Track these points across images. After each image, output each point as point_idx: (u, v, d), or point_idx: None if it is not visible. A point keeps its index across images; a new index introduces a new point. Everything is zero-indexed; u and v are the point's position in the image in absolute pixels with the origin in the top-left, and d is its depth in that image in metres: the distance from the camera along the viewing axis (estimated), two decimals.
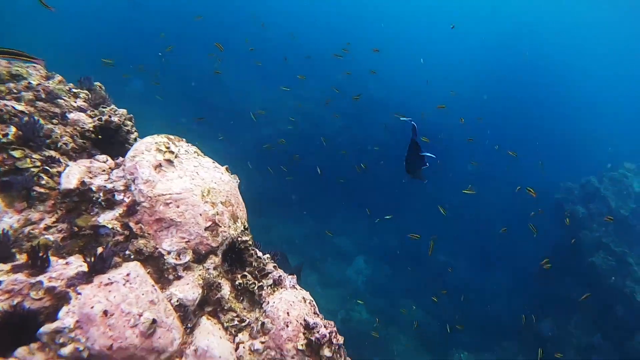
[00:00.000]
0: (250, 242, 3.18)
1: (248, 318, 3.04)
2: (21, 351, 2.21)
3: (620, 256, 13.52)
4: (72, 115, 3.23)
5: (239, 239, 3.11)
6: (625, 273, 13.38)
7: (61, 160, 2.87)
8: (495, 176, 20.05)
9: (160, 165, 2.84)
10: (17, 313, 2.27)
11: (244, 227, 3.20)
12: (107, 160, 2.94)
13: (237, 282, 3.08)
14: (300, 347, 2.86)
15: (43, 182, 2.65)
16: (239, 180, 3.42)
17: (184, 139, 3.26)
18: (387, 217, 13.88)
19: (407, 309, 16.36)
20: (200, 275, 2.88)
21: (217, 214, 2.94)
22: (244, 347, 2.88)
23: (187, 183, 2.87)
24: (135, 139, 3.62)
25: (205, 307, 2.96)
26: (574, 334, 14.01)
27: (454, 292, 17.17)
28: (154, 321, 2.44)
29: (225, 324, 2.97)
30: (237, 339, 2.94)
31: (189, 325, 2.80)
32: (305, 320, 2.92)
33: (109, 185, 2.70)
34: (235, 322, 2.99)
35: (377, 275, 17.99)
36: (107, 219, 2.62)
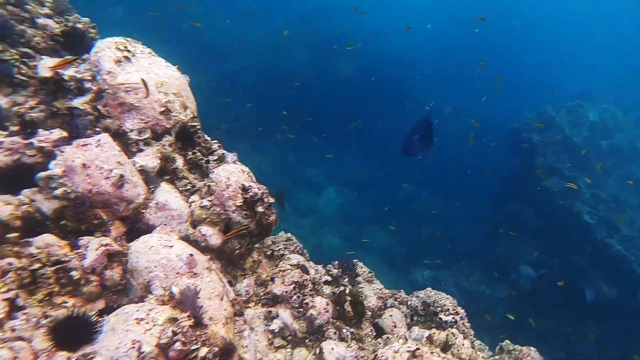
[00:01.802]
0: (199, 127, 4.18)
1: (198, 185, 4.13)
2: (26, 192, 3.23)
3: (571, 180, 15.28)
4: (41, 21, 3.95)
5: (189, 124, 4.09)
6: (574, 196, 15.24)
7: (35, 56, 3.68)
8: (460, 108, 21.24)
9: (119, 60, 3.69)
10: (19, 165, 3.25)
11: (193, 116, 4.17)
12: (75, 58, 3.76)
13: (188, 157, 4.13)
14: (238, 204, 3.99)
15: (23, 71, 3.49)
16: (189, 79, 4.31)
17: (140, 42, 4.08)
18: (328, 155, 15.20)
19: (374, 235, 18.22)
20: (157, 149, 3.89)
21: (169, 102, 3.88)
22: (195, 205, 3.98)
23: (143, 76, 3.75)
24: None
25: (164, 176, 4.01)
26: (526, 250, 16.14)
27: (418, 219, 19.06)
28: (121, 176, 3.48)
29: (180, 189, 4.06)
30: (190, 200, 4.04)
31: (151, 187, 3.85)
32: (242, 184, 4.02)
33: (78, 75, 3.57)
34: (188, 187, 4.07)
35: (346, 204, 19.59)
36: (79, 102, 3.53)
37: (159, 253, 3.26)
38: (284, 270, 4.38)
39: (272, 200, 4.12)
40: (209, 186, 3.97)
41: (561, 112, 16.53)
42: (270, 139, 19.09)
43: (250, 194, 3.94)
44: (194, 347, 2.86)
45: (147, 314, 2.90)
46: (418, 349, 3.46)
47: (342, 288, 4.65)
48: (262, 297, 4.29)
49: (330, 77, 22.07)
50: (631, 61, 35.42)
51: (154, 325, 2.85)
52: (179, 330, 2.83)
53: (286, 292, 4.22)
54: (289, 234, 5.47)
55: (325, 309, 4.24)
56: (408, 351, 3.51)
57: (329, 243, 17.58)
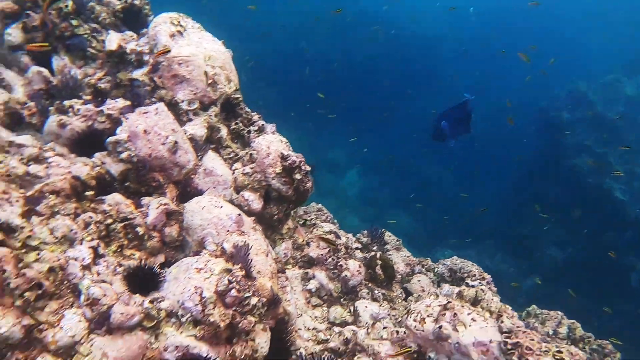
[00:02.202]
0: (241, 99, 4.52)
1: (240, 153, 4.48)
2: (98, 155, 3.64)
3: (601, 157, 15.00)
4: None
5: (233, 96, 4.43)
6: (605, 173, 14.95)
7: (102, 31, 4.07)
8: (488, 87, 20.96)
9: (173, 34, 4.04)
10: (92, 131, 3.65)
11: (236, 88, 4.50)
12: (133, 34, 4.14)
13: (231, 128, 4.48)
14: (278, 171, 4.33)
15: (94, 45, 3.89)
16: (232, 53, 4.64)
17: (190, 17, 4.41)
18: (353, 139, 15.37)
19: (396, 218, 18.45)
20: (205, 119, 4.25)
21: (216, 74, 4.22)
22: (238, 172, 4.35)
23: (193, 49, 4.09)
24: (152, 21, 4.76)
25: (210, 145, 4.37)
26: (551, 230, 16.07)
27: (441, 201, 19.14)
28: (176, 142, 3.85)
29: (225, 157, 4.42)
30: (233, 167, 4.40)
31: (199, 154, 4.23)
32: (281, 152, 4.35)
33: (139, 49, 3.94)
34: (232, 155, 4.44)
35: (368, 186, 19.84)
36: (139, 74, 3.90)
37: (211, 212, 3.64)
38: (319, 233, 4.73)
39: (308, 168, 4.44)
40: (250, 154, 4.32)
41: (594, 88, 16.12)
42: (293, 121, 19.40)
43: (289, 161, 4.27)
44: (247, 294, 3.25)
45: (205, 265, 3.30)
46: (449, 302, 3.77)
47: (372, 253, 4.98)
48: (299, 260, 4.66)
49: (358, 60, 22.03)
50: None
51: (212, 274, 3.25)
52: (234, 279, 3.22)
53: (321, 255, 4.58)
54: (319, 205, 5.82)
55: (358, 271, 4.58)
56: (439, 305, 3.84)
57: (350, 225, 17.95)
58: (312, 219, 5.52)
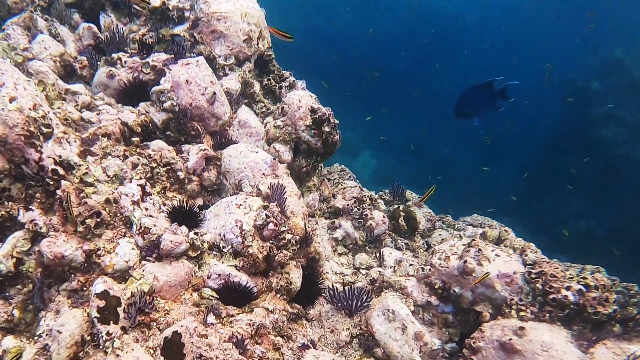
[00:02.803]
0: (273, 57, 4.72)
1: (272, 108, 4.71)
2: (142, 104, 3.91)
3: (634, 125, 14.55)
4: None
5: (266, 53, 4.65)
6: (635, 143, 14.54)
7: None
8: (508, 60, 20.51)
9: None
10: (137, 81, 3.92)
11: (269, 46, 4.71)
12: None
13: (264, 83, 4.70)
14: (308, 124, 4.54)
15: (137, 2, 4.14)
16: (265, 12, 4.84)
17: None
18: (368, 118, 15.29)
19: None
20: (239, 75, 4.48)
21: (251, 31, 4.43)
22: (269, 124, 4.58)
23: (231, 5, 4.31)
24: None
25: (244, 100, 4.60)
26: (574, 203, 15.85)
27: (456, 182, 19.08)
28: (214, 93, 4.09)
29: (257, 111, 4.66)
30: (265, 120, 4.63)
31: (234, 107, 4.47)
32: (311, 106, 4.55)
33: (180, 5, 4.18)
34: (264, 110, 4.67)
35: (382, 168, 19.87)
36: (180, 30, 4.15)
37: (247, 157, 3.90)
38: (344, 188, 4.96)
39: (337, 121, 4.64)
40: (282, 108, 4.54)
41: (632, 52, 15.43)
42: None
43: (319, 114, 4.47)
44: (283, 229, 3.52)
45: (245, 201, 3.57)
46: (473, 239, 3.97)
47: (395, 205, 5.19)
48: (326, 211, 4.91)
49: (376, 39, 21.82)
50: None
51: (250, 210, 3.52)
52: (271, 214, 3.48)
53: (347, 205, 4.81)
54: (342, 166, 6.03)
55: (382, 220, 4.81)
56: (463, 244, 4.04)
57: None
58: (335, 178, 5.74)
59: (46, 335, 2.79)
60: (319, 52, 20.80)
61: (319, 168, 5.34)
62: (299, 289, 3.72)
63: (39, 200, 3.07)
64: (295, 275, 3.70)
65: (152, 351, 2.70)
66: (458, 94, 6.23)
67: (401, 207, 5.13)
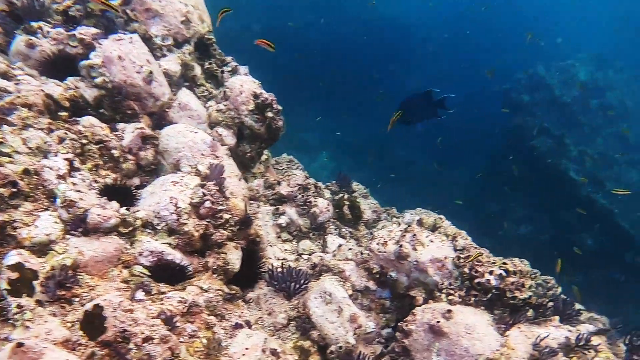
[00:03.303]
0: (214, 40, 4.69)
1: (214, 92, 4.67)
2: (71, 79, 3.74)
3: (559, 138, 15.97)
4: None
5: (206, 36, 4.60)
6: (562, 153, 15.95)
7: None
8: (456, 75, 21.70)
9: None
10: (63, 55, 3.74)
11: (210, 29, 4.67)
12: None
13: (205, 67, 4.65)
14: (250, 108, 4.55)
15: None
16: None
17: None
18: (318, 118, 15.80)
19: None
20: (179, 56, 4.41)
21: (189, 12, 4.38)
22: (212, 108, 4.53)
23: None
24: None
25: (184, 83, 4.53)
26: (515, 208, 16.97)
27: (413, 183, 19.77)
28: (151, 72, 3.99)
29: (199, 94, 4.60)
30: (207, 104, 4.59)
31: (174, 90, 4.38)
32: (254, 91, 4.56)
33: None
34: (205, 94, 4.62)
35: (340, 169, 20.14)
36: (111, 4, 4.01)
37: (186, 136, 3.84)
38: (289, 175, 5.00)
39: (280, 107, 4.68)
40: (224, 92, 4.51)
41: (551, 71, 17.13)
42: None
43: (262, 99, 4.50)
44: (220, 207, 3.48)
45: (181, 179, 3.50)
46: (410, 225, 4.12)
47: (340, 195, 5.29)
48: (270, 198, 4.92)
49: (331, 40, 22.23)
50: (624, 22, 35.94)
51: (187, 188, 3.46)
52: (208, 192, 3.44)
53: (292, 192, 4.85)
54: (291, 156, 6.07)
55: (326, 208, 4.88)
56: (401, 230, 4.19)
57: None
58: (283, 169, 5.77)
59: None
60: (275, 52, 20.81)
61: (268, 157, 5.35)
62: (237, 270, 3.68)
63: None
64: (234, 257, 3.66)
65: (69, 324, 2.56)
66: (399, 101, 6.56)
67: (346, 196, 5.24)
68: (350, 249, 4.29)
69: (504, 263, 3.83)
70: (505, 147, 17.25)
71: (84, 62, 3.67)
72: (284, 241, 4.71)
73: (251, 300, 3.76)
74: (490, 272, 3.79)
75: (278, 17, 22.43)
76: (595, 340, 3.48)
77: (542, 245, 15.59)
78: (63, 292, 2.75)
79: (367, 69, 22.16)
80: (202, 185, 3.48)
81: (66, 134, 3.37)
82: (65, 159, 3.24)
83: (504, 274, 3.77)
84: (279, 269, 3.82)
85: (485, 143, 19.24)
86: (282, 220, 4.72)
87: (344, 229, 5.02)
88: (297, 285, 3.78)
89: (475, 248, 3.98)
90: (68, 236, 2.97)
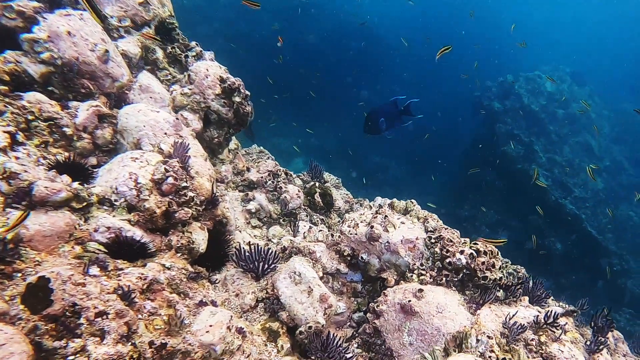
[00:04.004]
0: (177, 25, 4.61)
1: (178, 77, 4.57)
2: (10, 52, 3.53)
3: (528, 145, 16.56)
4: None
5: (168, 20, 4.52)
6: (531, 159, 16.52)
7: None
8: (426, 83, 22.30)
9: None
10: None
11: (171, 14, 4.60)
12: None
13: (168, 51, 4.55)
14: (217, 92, 4.46)
15: None
16: None
17: None
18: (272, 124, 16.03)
19: None
20: (138, 38, 4.30)
21: None
22: (176, 92, 4.42)
23: None
24: None
25: (145, 67, 4.42)
26: (487, 213, 17.35)
27: (385, 187, 19.95)
28: (106, 51, 3.87)
29: (161, 78, 4.48)
30: (171, 88, 4.47)
31: (133, 72, 4.26)
32: (220, 75, 4.49)
33: None
34: (169, 78, 4.51)
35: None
36: None
37: (147, 115, 3.71)
38: (258, 162, 4.91)
39: (248, 92, 4.62)
40: (189, 75, 4.42)
41: (520, 81, 17.89)
42: None
43: (228, 83, 4.43)
44: (184, 184, 3.36)
45: (142, 155, 3.36)
46: (381, 206, 4.10)
47: (312, 182, 5.23)
48: (240, 184, 4.80)
49: (301, 47, 22.48)
50: (589, 38, 38.16)
51: (148, 164, 3.32)
52: (171, 168, 3.32)
53: (262, 178, 4.76)
54: (261, 147, 5.99)
55: (297, 194, 4.80)
56: (371, 213, 4.15)
57: None
58: (254, 159, 5.68)
59: None
60: (248, 58, 20.84)
61: (238, 146, 5.25)
62: (203, 251, 3.54)
63: None
64: (199, 237, 3.52)
65: (7, 299, 2.35)
66: (367, 112, 6.68)
67: (317, 184, 5.19)
68: (320, 230, 4.21)
69: (475, 244, 3.84)
70: (476, 153, 17.72)
71: (26, 36, 3.49)
72: (254, 227, 4.59)
73: (217, 282, 3.61)
74: (461, 252, 3.79)
75: (245, 22, 22.52)
76: (562, 321, 3.52)
77: (514, 248, 15.93)
78: (2, 267, 2.55)
79: (341, 75, 22.48)
80: (165, 162, 3.35)
81: (6, 107, 3.19)
82: (5, 132, 3.06)
83: (474, 253, 3.78)
84: (247, 249, 3.69)
85: (457, 149, 19.74)
86: (252, 205, 4.61)
87: (315, 217, 4.95)
88: (266, 266, 3.66)
89: (446, 229, 3.98)
90: (9, 209, 2.78)
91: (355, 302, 4.04)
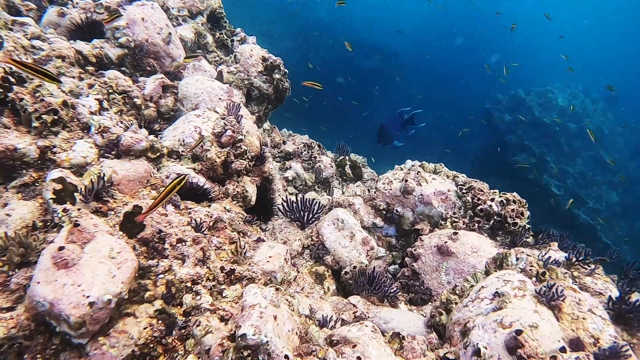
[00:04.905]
0: (225, 14, 5.07)
1: (225, 58, 4.99)
2: (96, 40, 4.02)
3: (540, 156, 16.51)
4: None
5: (217, 10, 4.98)
6: (543, 169, 16.47)
7: None
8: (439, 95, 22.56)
9: None
10: (90, 21, 4.05)
11: (220, 5, 5.06)
12: None
13: (216, 37, 5.00)
14: (260, 70, 4.86)
15: None
16: None
17: None
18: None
19: None
20: (192, 26, 4.75)
21: None
22: (223, 71, 4.84)
23: None
24: None
25: (197, 50, 4.86)
26: None
27: None
28: (170, 34, 4.31)
29: (210, 60, 4.91)
30: (219, 68, 4.90)
31: (188, 54, 4.69)
32: (262, 55, 4.90)
33: None
34: (217, 59, 4.93)
35: None
36: None
37: (204, 84, 4.11)
38: (294, 136, 5.26)
39: (287, 70, 5.01)
40: (235, 55, 4.84)
41: (531, 95, 17.99)
42: None
43: (270, 61, 4.82)
44: (240, 137, 3.72)
45: (203, 112, 3.75)
46: (413, 165, 4.39)
47: (342, 157, 5.56)
48: (277, 155, 5.16)
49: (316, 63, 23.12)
50: (601, 55, 38.01)
51: (209, 120, 3.70)
52: (228, 123, 3.69)
53: (297, 149, 5.10)
54: (290, 131, 6.36)
55: (330, 164, 5.13)
56: (404, 172, 4.44)
57: None
58: (288, 135, 6.04)
59: None
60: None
61: (272, 128, 5.62)
62: (253, 203, 3.87)
63: None
64: (251, 189, 3.86)
65: (109, 228, 2.72)
66: (378, 125, 7.06)
67: (347, 157, 5.50)
68: (358, 186, 4.51)
69: (504, 194, 4.08)
70: (487, 163, 17.71)
71: (110, 25, 3.98)
72: (290, 194, 4.92)
73: (266, 230, 3.93)
74: (492, 200, 4.03)
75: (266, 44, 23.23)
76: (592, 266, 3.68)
77: None
78: (100, 205, 2.92)
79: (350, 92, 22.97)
80: (223, 118, 3.73)
81: (95, 81, 3.63)
82: (96, 99, 3.49)
83: (504, 201, 4.02)
84: (294, 199, 4.01)
85: (467, 158, 19.79)
86: (289, 174, 4.94)
87: (345, 187, 5.25)
88: (311, 215, 3.97)
89: (476, 181, 4.24)
90: (102, 159, 3.18)
91: (391, 256, 4.29)
